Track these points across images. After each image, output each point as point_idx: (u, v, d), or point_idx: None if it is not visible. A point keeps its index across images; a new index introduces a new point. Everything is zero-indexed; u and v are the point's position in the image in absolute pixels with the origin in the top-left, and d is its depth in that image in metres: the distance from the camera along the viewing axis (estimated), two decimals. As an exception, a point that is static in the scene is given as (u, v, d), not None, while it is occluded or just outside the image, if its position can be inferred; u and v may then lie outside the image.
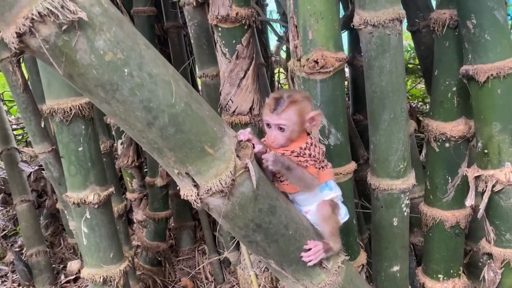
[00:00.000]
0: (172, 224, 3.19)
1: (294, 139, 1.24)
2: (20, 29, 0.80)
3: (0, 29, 0.85)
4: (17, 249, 3.27)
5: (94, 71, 0.88)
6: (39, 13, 0.79)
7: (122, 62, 0.90)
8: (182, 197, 1.12)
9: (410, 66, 4.14)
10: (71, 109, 1.64)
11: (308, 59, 1.45)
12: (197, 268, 2.97)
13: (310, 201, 1.31)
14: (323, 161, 1.30)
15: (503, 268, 1.64)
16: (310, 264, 1.27)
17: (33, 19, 0.80)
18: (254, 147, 1.16)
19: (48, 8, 0.79)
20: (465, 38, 1.56)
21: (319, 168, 1.28)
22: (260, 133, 1.86)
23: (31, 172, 3.50)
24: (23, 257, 2.98)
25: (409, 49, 4.76)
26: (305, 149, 1.23)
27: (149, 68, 0.94)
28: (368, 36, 1.53)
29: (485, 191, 1.60)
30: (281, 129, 1.22)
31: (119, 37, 0.89)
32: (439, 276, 1.93)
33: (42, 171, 3.58)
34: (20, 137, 4.64)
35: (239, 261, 2.32)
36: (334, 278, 1.32)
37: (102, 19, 0.87)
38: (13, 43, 0.82)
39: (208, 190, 1.07)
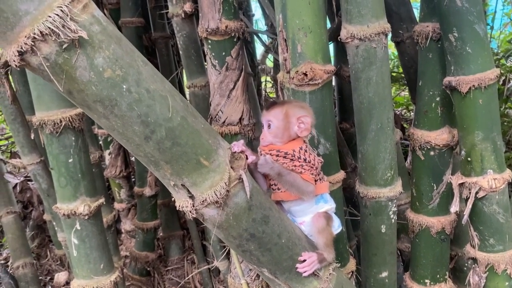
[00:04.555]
0: (161, 234, 3.19)
1: (283, 139, 1.28)
2: (21, 48, 0.82)
3: (1, 47, 0.86)
4: (2, 261, 3.22)
5: (94, 87, 0.90)
6: (40, 32, 0.81)
7: (120, 79, 0.92)
8: (177, 209, 1.14)
9: (394, 74, 4.21)
10: (61, 121, 1.63)
11: (297, 71, 1.48)
12: (187, 278, 2.97)
13: (305, 213, 1.34)
14: (320, 173, 1.33)
15: (487, 272, 1.69)
16: (305, 274, 1.30)
17: (34, 38, 0.82)
18: (247, 158, 1.19)
19: (49, 28, 0.81)
20: (448, 50, 1.61)
21: (316, 177, 1.30)
22: (250, 143, 1.89)
23: (17, 183, 3.47)
24: (9, 270, 2.94)
25: (392, 57, 4.84)
26: (299, 152, 1.27)
27: (147, 84, 0.96)
28: (355, 49, 1.57)
29: (469, 197, 1.64)
30: (269, 126, 1.29)
31: (117, 54, 0.92)
32: (426, 281, 1.97)
33: (28, 182, 3.55)
34: (4, 147, 4.59)
35: (229, 270, 2.33)
36: (326, 285, 1.35)
37: (101, 37, 0.90)
38: (14, 61, 0.84)
39: (203, 201, 1.10)
